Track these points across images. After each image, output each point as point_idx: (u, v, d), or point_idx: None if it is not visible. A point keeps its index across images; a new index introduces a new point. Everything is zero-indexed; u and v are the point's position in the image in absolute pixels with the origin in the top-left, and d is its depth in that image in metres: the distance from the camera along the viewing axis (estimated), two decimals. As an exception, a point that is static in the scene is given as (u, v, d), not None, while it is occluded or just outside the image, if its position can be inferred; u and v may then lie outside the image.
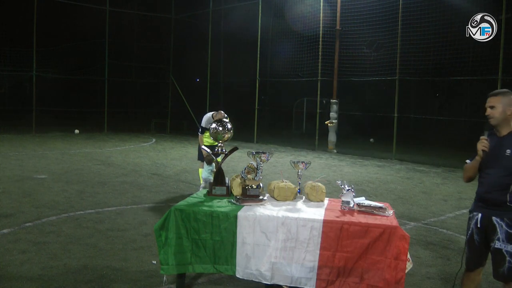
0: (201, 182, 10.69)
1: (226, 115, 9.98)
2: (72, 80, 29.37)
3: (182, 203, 4.98)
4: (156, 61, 31.33)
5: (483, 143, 4.27)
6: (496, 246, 4.21)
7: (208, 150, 5.69)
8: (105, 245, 6.72)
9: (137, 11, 29.24)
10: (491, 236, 4.26)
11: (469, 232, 4.47)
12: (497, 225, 4.23)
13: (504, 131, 4.32)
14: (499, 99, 4.28)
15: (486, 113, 4.34)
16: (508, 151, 4.22)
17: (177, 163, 15.65)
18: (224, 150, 5.49)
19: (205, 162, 9.54)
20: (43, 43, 25.94)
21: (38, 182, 11.39)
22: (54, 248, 6.49)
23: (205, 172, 9.71)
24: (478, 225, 4.35)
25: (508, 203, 4.19)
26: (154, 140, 23.99)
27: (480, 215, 4.36)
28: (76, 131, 25.44)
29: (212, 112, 10.51)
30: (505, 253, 4.17)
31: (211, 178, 8.96)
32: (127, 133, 26.68)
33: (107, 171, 13.30)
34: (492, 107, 4.30)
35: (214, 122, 5.58)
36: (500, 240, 4.19)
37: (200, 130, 10.47)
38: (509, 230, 4.17)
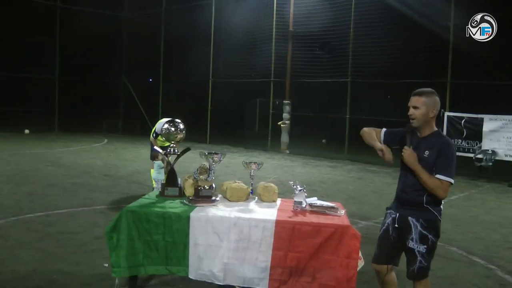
0: (153, 183, 10.61)
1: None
2: (20, 78, 28.61)
3: (134, 204, 4.94)
4: (108, 60, 30.82)
5: (406, 154, 4.24)
6: (409, 246, 4.26)
7: (161, 151, 5.65)
8: (55, 248, 6.59)
9: (88, 8, 28.71)
10: (406, 235, 4.29)
11: (384, 227, 4.52)
12: (412, 225, 4.25)
13: (425, 132, 4.27)
14: (423, 100, 4.18)
15: (409, 113, 4.24)
16: (426, 152, 4.18)
17: (129, 164, 15.49)
18: (176, 150, 5.47)
19: (154, 162, 9.48)
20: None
21: (-15, 184, 11.11)
22: (1, 253, 6.31)
23: (154, 172, 9.63)
24: (396, 225, 4.39)
25: (424, 204, 4.21)
26: (106, 140, 23.67)
27: (397, 214, 4.39)
28: (26, 131, 24.89)
29: (167, 119, 10.42)
30: (417, 253, 4.23)
31: (162, 177, 8.92)
32: (78, 133, 26.17)
33: (58, 172, 13.06)
34: (415, 108, 4.20)
35: (166, 122, 5.55)
36: (414, 240, 4.23)
37: (154, 135, 10.38)
38: (423, 231, 4.21)
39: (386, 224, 4.49)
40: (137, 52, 29.49)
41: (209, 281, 4.59)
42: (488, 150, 15.36)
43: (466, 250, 7.45)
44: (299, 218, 4.60)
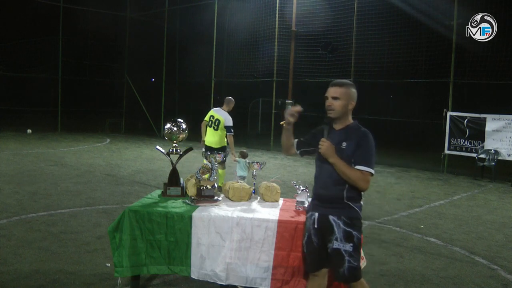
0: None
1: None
2: (24, 78, 28.67)
3: (136, 204, 4.94)
4: (111, 60, 30.87)
5: (324, 146, 3.97)
6: (334, 247, 3.93)
7: (163, 151, 5.64)
8: (58, 248, 6.59)
9: (91, 8, 28.77)
10: (328, 237, 3.97)
11: (307, 233, 4.16)
12: (334, 224, 3.94)
13: (341, 124, 4.09)
14: (344, 91, 4.01)
15: (327, 104, 4.04)
16: (344, 143, 3.96)
17: (132, 163, 15.48)
18: (178, 150, 5.47)
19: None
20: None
21: (-13, 183, 11.11)
22: (4, 253, 6.31)
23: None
24: (315, 225, 4.05)
25: (344, 200, 3.93)
26: (108, 140, 23.67)
27: (316, 214, 4.06)
28: (29, 131, 24.88)
29: (222, 107, 11.01)
30: (343, 252, 3.91)
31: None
32: (81, 133, 26.23)
33: (61, 172, 13.06)
34: (335, 98, 4.02)
35: (169, 122, 5.55)
36: (338, 239, 3.91)
37: (232, 130, 10.71)
38: (346, 229, 3.91)
39: (308, 230, 4.16)
40: (139, 52, 29.53)
41: (212, 281, 4.60)
42: (491, 150, 15.33)
43: (468, 250, 7.44)
44: (302, 218, 4.59)
